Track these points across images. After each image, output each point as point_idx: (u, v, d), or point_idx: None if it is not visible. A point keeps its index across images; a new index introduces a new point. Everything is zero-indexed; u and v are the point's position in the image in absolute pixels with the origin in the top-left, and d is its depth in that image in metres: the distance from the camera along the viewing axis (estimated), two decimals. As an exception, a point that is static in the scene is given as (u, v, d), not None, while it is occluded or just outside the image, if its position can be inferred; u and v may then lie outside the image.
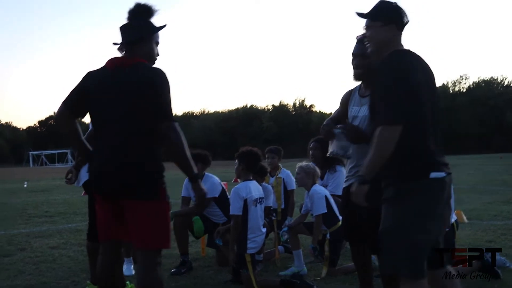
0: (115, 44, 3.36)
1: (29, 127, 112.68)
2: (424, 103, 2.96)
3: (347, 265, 5.38)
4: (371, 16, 3.15)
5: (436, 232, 3.01)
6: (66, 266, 6.03)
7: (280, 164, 6.81)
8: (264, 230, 4.95)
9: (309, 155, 6.29)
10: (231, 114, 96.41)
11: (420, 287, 2.90)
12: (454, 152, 51.77)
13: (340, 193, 4.64)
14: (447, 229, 4.81)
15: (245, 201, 4.76)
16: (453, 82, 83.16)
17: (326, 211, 5.32)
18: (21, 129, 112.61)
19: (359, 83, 3.99)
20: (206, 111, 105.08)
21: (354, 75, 3.88)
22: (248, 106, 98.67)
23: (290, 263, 5.68)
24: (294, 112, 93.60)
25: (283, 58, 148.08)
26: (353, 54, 3.85)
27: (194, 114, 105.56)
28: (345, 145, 3.85)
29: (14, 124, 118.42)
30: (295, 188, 6.63)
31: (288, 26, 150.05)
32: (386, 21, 3.09)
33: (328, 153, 3.97)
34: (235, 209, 4.78)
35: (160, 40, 3.44)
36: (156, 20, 3.37)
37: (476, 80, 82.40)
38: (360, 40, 3.70)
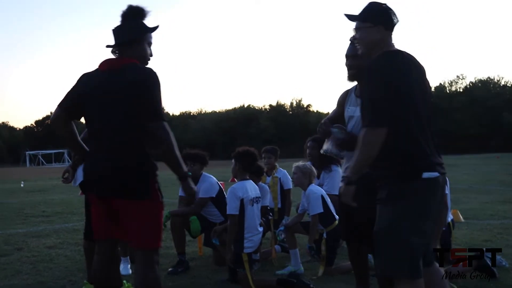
0: (108, 46, 3.38)
1: (26, 127, 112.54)
2: (414, 104, 2.97)
3: (344, 264, 5.39)
4: (359, 18, 3.16)
5: (429, 231, 3.02)
6: (63, 265, 6.03)
7: (276, 164, 6.82)
8: (261, 229, 4.96)
9: (306, 154, 6.31)
10: (229, 114, 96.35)
11: (416, 287, 2.91)
12: (451, 152, 51.89)
13: (337, 193, 4.66)
14: (443, 229, 4.85)
15: (242, 200, 4.76)
16: (449, 82, 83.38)
17: (322, 210, 5.33)
18: (18, 129, 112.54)
19: (354, 83, 4.00)
20: (204, 111, 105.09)
21: (348, 76, 3.90)
22: (245, 106, 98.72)
23: (287, 262, 5.69)
24: (291, 112, 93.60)
25: (279, 58, 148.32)
26: (346, 55, 3.88)
27: (192, 114, 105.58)
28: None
29: (11, 124, 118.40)
30: (291, 187, 6.64)
31: (284, 26, 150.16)
32: (374, 22, 3.10)
33: (322, 150, 3.99)
34: (231, 208, 4.79)
35: (153, 40, 3.46)
36: (152, 20, 3.41)
37: (473, 80, 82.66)
38: (353, 41, 3.72)
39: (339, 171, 5.85)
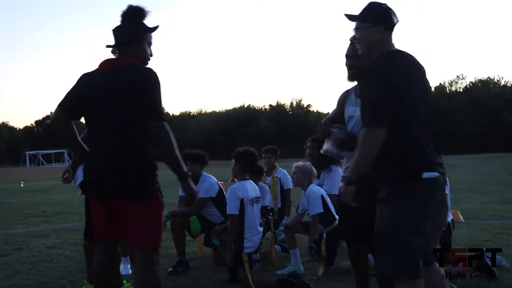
0: (108, 46, 3.39)
1: (26, 127, 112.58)
2: (414, 104, 2.97)
3: (344, 264, 5.39)
4: (359, 18, 3.16)
5: (429, 231, 3.02)
6: (63, 265, 6.03)
7: (276, 164, 6.82)
8: (261, 229, 4.95)
9: (306, 154, 6.31)
10: (229, 114, 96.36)
11: (416, 287, 2.91)
12: (451, 152, 51.90)
13: (337, 193, 4.66)
14: (443, 229, 4.85)
15: (242, 200, 4.76)
16: (449, 82, 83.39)
17: (322, 210, 5.33)
18: (18, 129, 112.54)
19: (354, 83, 4.00)
20: (204, 111, 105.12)
21: (348, 76, 3.90)
22: (245, 106, 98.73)
23: (287, 262, 5.69)
24: (291, 112, 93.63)
25: (280, 58, 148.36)
26: (346, 55, 3.88)
27: (192, 114, 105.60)
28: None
29: (11, 124, 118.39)
30: (291, 187, 6.64)
31: (284, 26, 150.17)
32: (374, 22, 3.10)
33: (322, 150, 3.99)
34: (231, 208, 4.79)
35: (153, 40, 3.46)
36: (152, 20, 3.41)
37: (473, 80, 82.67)
38: (353, 41, 3.72)
39: (339, 171, 5.85)
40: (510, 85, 79.56)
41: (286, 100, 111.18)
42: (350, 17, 3.20)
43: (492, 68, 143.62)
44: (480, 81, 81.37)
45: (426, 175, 2.90)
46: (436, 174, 2.94)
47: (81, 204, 8.28)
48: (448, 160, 30.16)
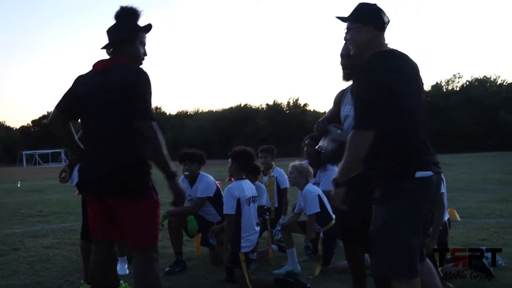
0: (102, 48, 3.41)
1: (22, 127, 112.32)
2: (408, 103, 2.97)
3: (341, 263, 5.39)
4: (350, 19, 3.17)
5: (423, 230, 3.03)
6: (60, 265, 6.02)
7: (273, 163, 6.82)
8: (257, 229, 4.96)
9: (303, 152, 6.31)
10: (226, 113, 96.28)
11: (412, 286, 2.92)
12: (447, 151, 51.96)
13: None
14: (440, 228, 4.85)
15: (238, 200, 4.77)
16: (446, 81, 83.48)
17: (319, 210, 5.34)
18: (14, 129, 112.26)
19: (349, 83, 4.00)
20: (200, 110, 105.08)
21: (343, 75, 3.91)
22: (242, 105, 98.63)
23: (284, 261, 5.70)
24: (288, 111, 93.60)
25: (276, 57, 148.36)
26: (341, 55, 3.88)
27: (188, 113, 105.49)
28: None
29: (8, 123, 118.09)
30: (288, 186, 6.64)
31: (281, 25, 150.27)
32: (364, 22, 3.11)
33: (318, 147, 4.00)
34: (228, 208, 4.79)
35: (149, 40, 3.48)
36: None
37: (470, 79, 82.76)
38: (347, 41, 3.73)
39: (335, 170, 5.85)
40: (506, 84, 79.65)
41: (283, 99, 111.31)
42: (342, 19, 3.21)
43: (489, 67, 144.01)
44: (477, 80, 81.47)
45: (419, 174, 2.90)
46: (429, 173, 2.94)
47: (78, 204, 8.28)
48: (445, 159, 30.16)
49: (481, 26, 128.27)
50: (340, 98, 4.10)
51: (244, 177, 4.99)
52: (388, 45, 3.14)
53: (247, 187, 4.89)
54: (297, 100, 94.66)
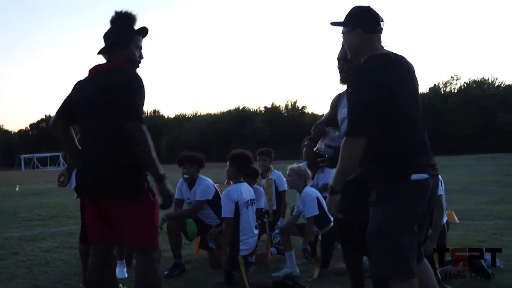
0: (99, 53, 3.45)
1: (20, 130, 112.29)
2: (403, 105, 2.97)
3: (339, 266, 5.40)
4: (341, 23, 3.19)
5: (419, 232, 3.04)
6: (59, 269, 6.02)
7: (271, 166, 6.83)
8: (256, 231, 4.97)
9: (302, 153, 6.32)
10: (224, 116, 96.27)
11: (411, 286, 2.93)
12: (445, 153, 52.00)
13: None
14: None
15: (237, 203, 4.78)
16: (444, 82, 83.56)
17: (318, 213, 5.34)
18: (12, 132, 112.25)
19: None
20: (199, 113, 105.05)
21: (340, 79, 3.92)
22: (240, 108, 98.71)
23: (283, 264, 5.70)
24: (286, 114, 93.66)
25: (275, 60, 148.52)
26: (338, 58, 3.89)
27: (187, 116, 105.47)
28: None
29: (6, 127, 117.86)
30: (286, 189, 6.65)
31: (280, 28, 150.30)
32: (352, 25, 3.12)
33: (316, 148, 4.01)
34: (226, 211, 4.80)
35: (143, 43, 3.49)
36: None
37: (467, 80, 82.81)
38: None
39: (333, 172, 5.86)
40: (504, 86, 79.77)
41: (281, 102, 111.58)
42: (334, 24, 3.22)
43: (487, 69, 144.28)
44: (475, 81, 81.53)
45: (414, 176, 2.90)
46: (425, 175, 2.94)
47: (76, 208, 8.28)
48: (443, 161, 30.18)
49: (479, 27, 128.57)
50: (337, 102, 4.11)
51: (242, 180, 5.00)
52: (386, 48, 3.14)
53: (245, 190, 4.90)
54: (295, 102, 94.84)
